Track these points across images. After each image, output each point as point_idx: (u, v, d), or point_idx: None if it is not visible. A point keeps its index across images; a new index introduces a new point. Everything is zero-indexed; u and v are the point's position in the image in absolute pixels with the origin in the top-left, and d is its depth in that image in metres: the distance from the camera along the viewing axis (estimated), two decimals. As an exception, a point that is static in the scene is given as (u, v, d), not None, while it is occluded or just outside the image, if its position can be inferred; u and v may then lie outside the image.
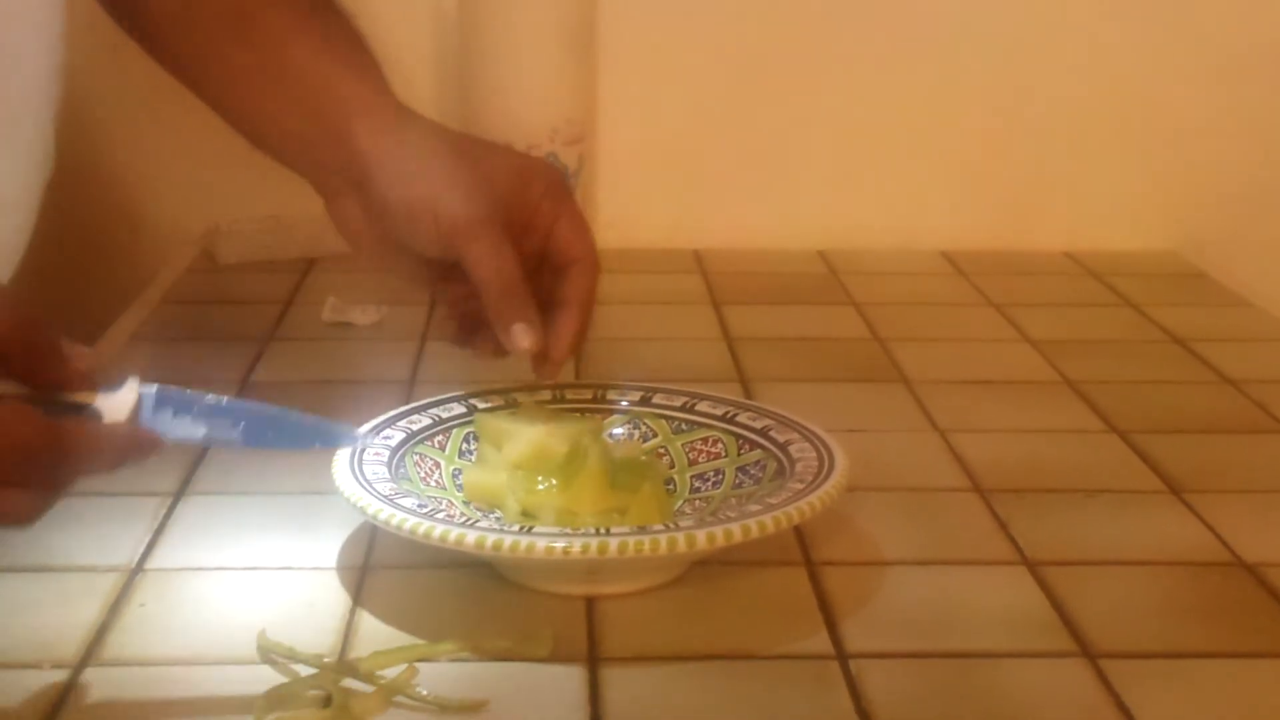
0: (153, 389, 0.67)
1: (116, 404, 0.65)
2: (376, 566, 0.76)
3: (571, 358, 0.84)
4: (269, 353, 1.10)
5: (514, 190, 0.81)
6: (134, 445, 0.65)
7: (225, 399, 0.70)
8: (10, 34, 0.79)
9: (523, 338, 0.79)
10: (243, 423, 0.69)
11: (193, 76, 0.87)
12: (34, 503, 0.61)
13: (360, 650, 0.68)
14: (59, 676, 0.66)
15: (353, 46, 0.86)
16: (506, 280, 0.79)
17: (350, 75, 0.84)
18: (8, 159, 0.81)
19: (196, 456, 0.89)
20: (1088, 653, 0.69)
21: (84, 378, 0.64)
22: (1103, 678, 0.67)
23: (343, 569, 0.76)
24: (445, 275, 0.83)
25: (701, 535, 0.70)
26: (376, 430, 0.81)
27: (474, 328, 0.83)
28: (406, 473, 0.79)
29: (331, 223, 0.85)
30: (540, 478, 0.77)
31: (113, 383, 0.66)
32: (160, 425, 0.67)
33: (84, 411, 0.64)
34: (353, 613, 0.72)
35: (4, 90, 0.80)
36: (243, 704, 0.63)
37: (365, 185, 0.81)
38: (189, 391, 0.68)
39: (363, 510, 0.73)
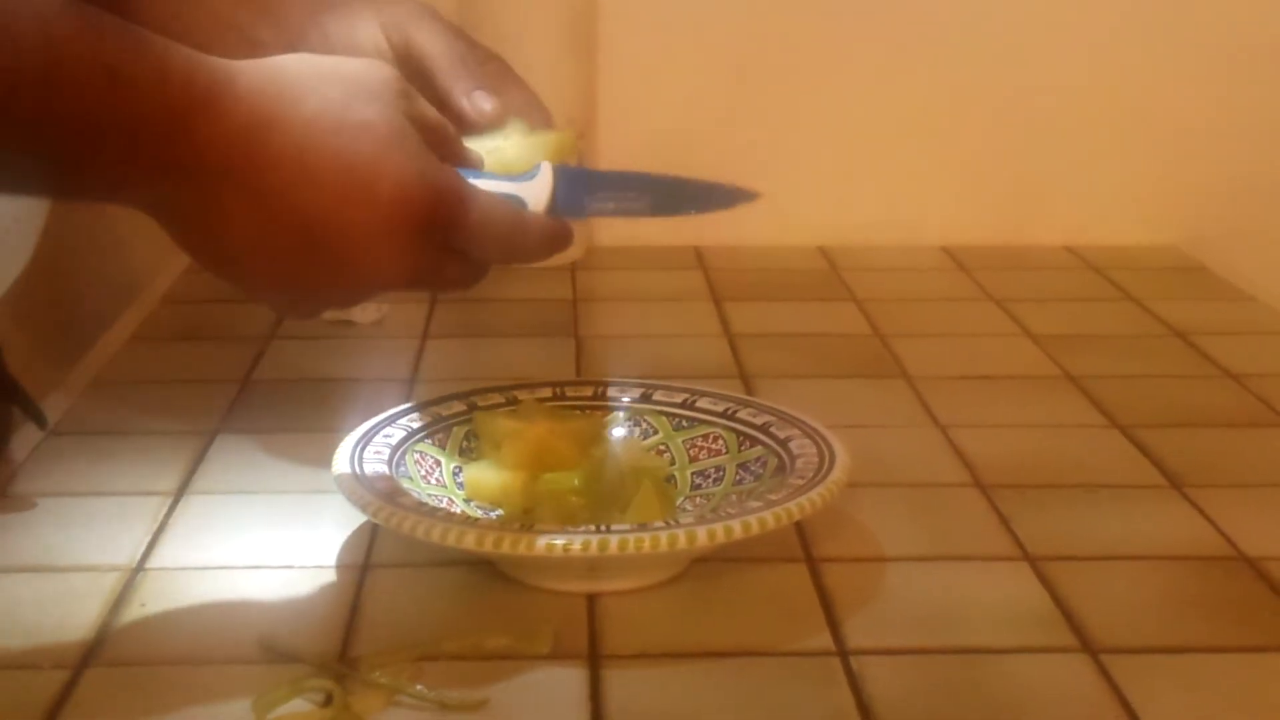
0: (566, 170, 0.72)
1: (537, 192, 0.71)
2: (377, 565, 0.76)
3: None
4: (270, 351, 1.10)
5: (460, 37, 0.81)
6: (554, 237, 0.71)
7: (629, 172, 0.74)
8: None
9: (484, 100, 0.76)
10: (648, 194, 0.73)
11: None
12: (473, 274, 0.70)
13: (361, 648, 0.68)
14: (60, 676, 0.66)
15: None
16: (459, 51, 0.78)
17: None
18: None
19: (197, 455, 0.90)
20: (1090, 648, 0.69)
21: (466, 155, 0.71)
22: (1105, 673, 0.67)
23: (343, 567, 0.76)
24: None
25: (702, 532, 0.70)
26: (377, 428, 0.81)
27: None
28: (407, 471, 0.79)
29: None
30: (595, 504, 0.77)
31: (529, 170, 0.72)
32: (575, 204, 0.72)
33: (511, 199, 0.70)
34: (353, 611, 0.72)
35: None
36: (244, 703, 0.63)
37: (302, 38, 0.79)
38: (597, 172, 0.74)
39: (363, 508, 0.73)
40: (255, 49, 0.81)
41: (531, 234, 0.70)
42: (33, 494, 0.84)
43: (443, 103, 0.77)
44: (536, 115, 0.79)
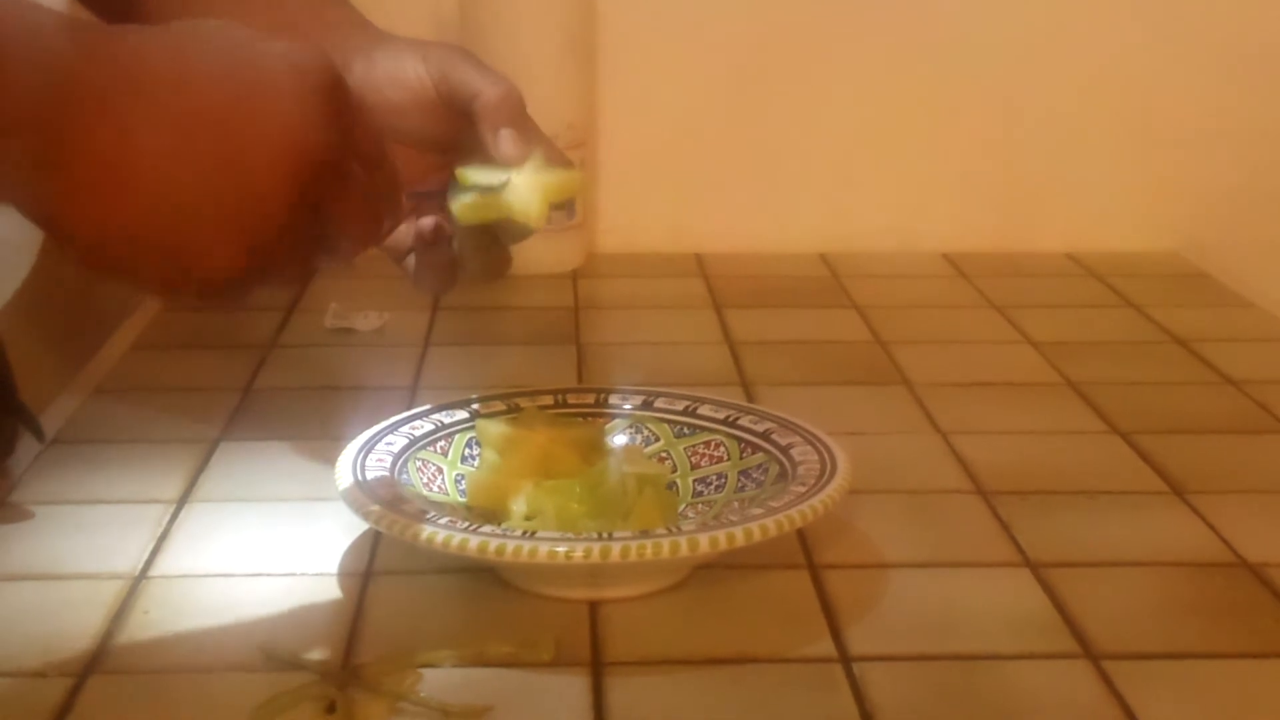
0: None
1: None
2: (379, 572, 0.76)
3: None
4: (271, 359, 1.10)
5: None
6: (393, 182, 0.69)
7: None
8: None
9: (509, 143, 0.77)
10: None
11: (153, 16, 0.86)
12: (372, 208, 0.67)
13: (363, 656, 0.68)
14: (63, 684, 0.66)
15: None
16: (507, 87, 0.78)
17: (336, 3, 0.87)
18: None
19: (200, 463, 0.90)
20: (1090, 654, 0.69)
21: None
22: (1106, 679, 0.67)
23: (346, 575, 0.76)
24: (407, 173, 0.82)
25: (704, 539, 0.70)
26: (379, 435, 0.81)
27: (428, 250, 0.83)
28: (409, 478, 0.79)
29: None
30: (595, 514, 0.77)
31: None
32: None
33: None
34: (356, 619, 0.72)
35: None
36: (246, 711, 0.63)
37: (347, 70, 0.79)
38: None
39: (365, 516, 0.73)
40: None
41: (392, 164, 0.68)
42: (35, 502, 0.84)
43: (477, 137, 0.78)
44: (557, 161, 0.80)
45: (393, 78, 0.80)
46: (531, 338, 1.17)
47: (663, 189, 1.43)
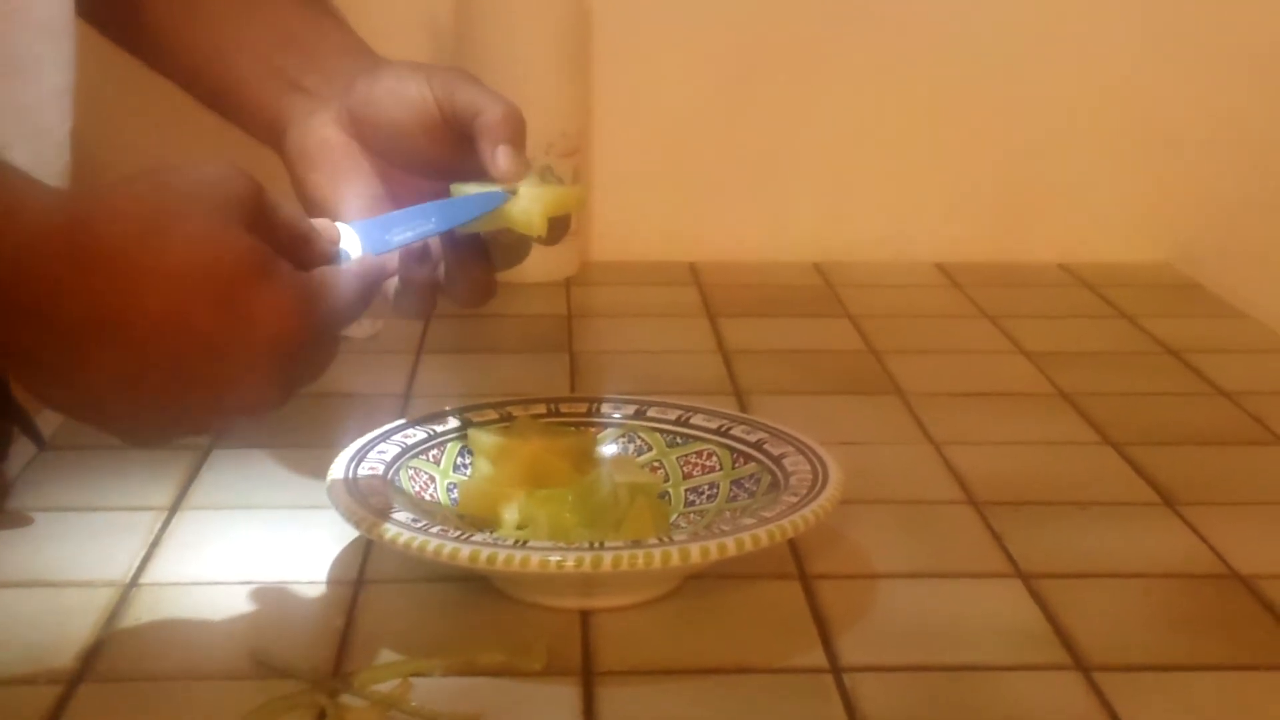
0: (365, 223, 0.73)
1: (349, 243, 0.72)
2: (371, 581, 0.76)
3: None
4: (264, 366, 1.10)
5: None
6: (367, 276, 0.69)
7: (410, 207, 0.76)
8: (31, 45, 0.79)
9: (506, 159, 0.76)
10: (433, 215, 0.75)
11: (156, 34, 0.87)
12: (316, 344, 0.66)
13: (354, 664, 0.68)
14: (54, 691, 0.66)
15: (329, 8, 0.88)
16: (505, 107, 0.78)
17: (338, 26, 0.86)
18: (31, 171, 0.81)
19: (192, 471, 0.90)
20: (1082, 665, 0.69)
21: (332, 254, 0.70)
22: (1097, 690, 0.67)
23: (337, 583, 0.76)
24: (403, 196, 0.82)
25: (695, 549, 0.70)
26: (372, 443, 0.81)
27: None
28: (401, 486, 0.79)
29: (287, 156, 0.83)
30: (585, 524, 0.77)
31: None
32: (379, 243, 0.73)
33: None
34: (347, 627, 0.72)
35: (27, 101, 0.80)
36: (237, 718, 0.63)
37: (350, 88, 0.81)
38: (392, 213, 0.76)
39: (357, 524, 0.73)
40: (300, 95, 0.83)
41: (347, 283, 0.68)
42: (27, 509, 0.84)
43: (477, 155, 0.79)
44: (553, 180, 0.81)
45: (396, 96, 0.80)
46: (525, 346, 1.17)
47: (657, 197, 1.43)
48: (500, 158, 0.77)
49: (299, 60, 0.84)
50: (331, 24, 0.87)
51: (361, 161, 0.81)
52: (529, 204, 0.75)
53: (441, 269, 0.79)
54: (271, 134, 0.84)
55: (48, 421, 0.96)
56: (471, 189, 0.77)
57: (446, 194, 0.78)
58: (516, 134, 0.78)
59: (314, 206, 0.81)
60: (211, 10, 0.86)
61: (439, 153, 0.80)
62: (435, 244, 0.78)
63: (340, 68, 0.83)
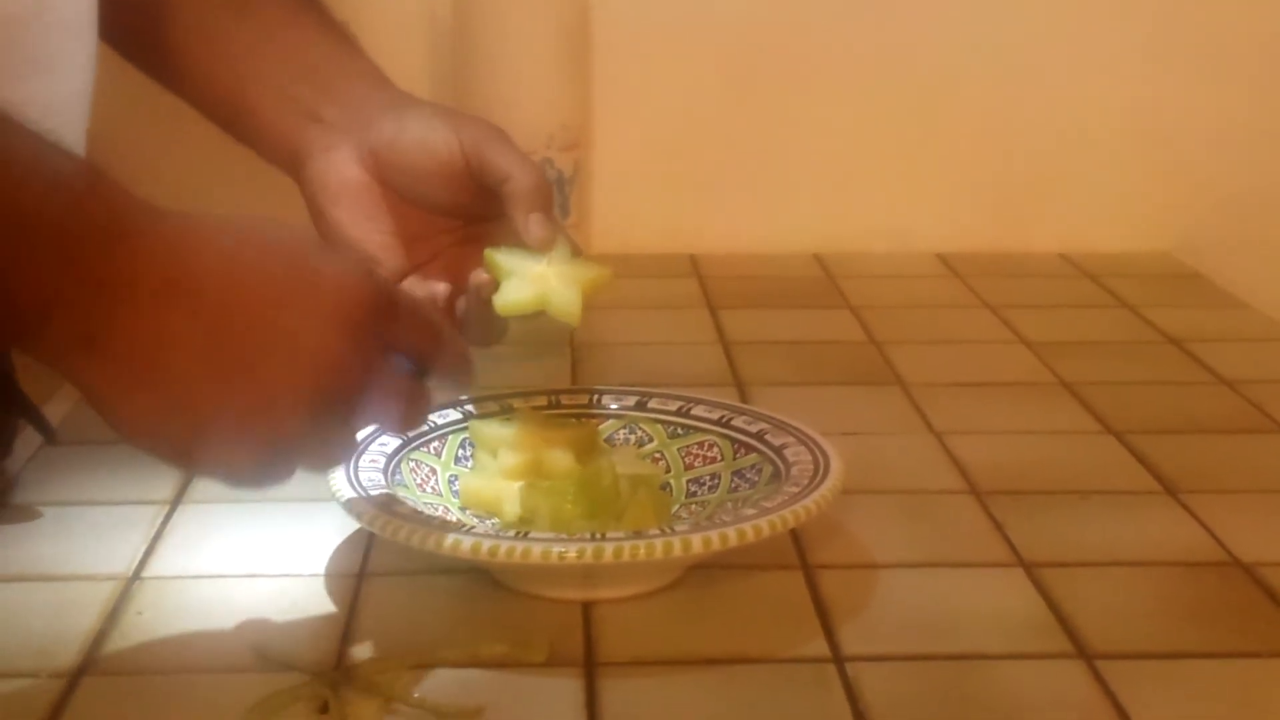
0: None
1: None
2: (373, 573, 0.76)
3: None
4: (265, 360, 1.10)
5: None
6: (463, 355, 0.71)
7: None
8: (55, 45, 0.79)
9: (538, 226, 0.79)
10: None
11: (176, 60, 0.88)
12: (413, 391, 0.67)
13: (357, 657, 0.68)
14: (57, 685, 0.66)
15: (350, 40, 0.89)
16: (536, 172, 0.80)
17: (353, 54, 0.87)
18: None
19: (193, 464, 0.90)
20: (1084, 654, 0.69)
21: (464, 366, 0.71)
22: (1099, 678, 0.67)
23: (339, 576, 0.76)
24: (420, 235, 0.84)
25: (697, 540, 0.70)
26: (373, 436, 0.81)
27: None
28: (402, 479, 0.79)
29: (306, 189, 0.85)
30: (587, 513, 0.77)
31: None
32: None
33: None
34: (349, 619, 0.72)
35: (50, 100, 0.80)
36: (239, 711, 0.63)
37: (372, 126, 0.82)
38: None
39: (359, 517, 0.73)
40: (318, 127, 0.83)
41: (453, 342, 0.70)
42: (31, 503, 0.84)
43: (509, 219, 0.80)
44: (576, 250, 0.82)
45: (423, 146, 0.81)
46: (525, 338, 1.17)
47: (657, 190, 1.43)
48: (534, 226, 0.79)
49: (317, 91, 0.84)
50: (349, 52, 0.88)
51: (382, 201, 0.83)
52: (566, 289, 0.79)
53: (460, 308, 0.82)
54: (290, 164, 0.85)
55: (50, 417, 0.96)
56: (506, 256, 0.79)
57: (463, 232, 0.81)
58: (546, 202, 0.80)
59: (333, 240, 0.83)
60: (230, 41, 0.87)
61: (460, 199, 0.82)
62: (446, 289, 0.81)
63: (359, 99, 0.84)
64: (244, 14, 0.87)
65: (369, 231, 0.83)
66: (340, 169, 0.83)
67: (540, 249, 0.79)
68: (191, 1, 0.88)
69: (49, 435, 0.91)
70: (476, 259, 0.80)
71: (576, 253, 0.81)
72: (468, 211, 0.84)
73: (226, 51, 0.87)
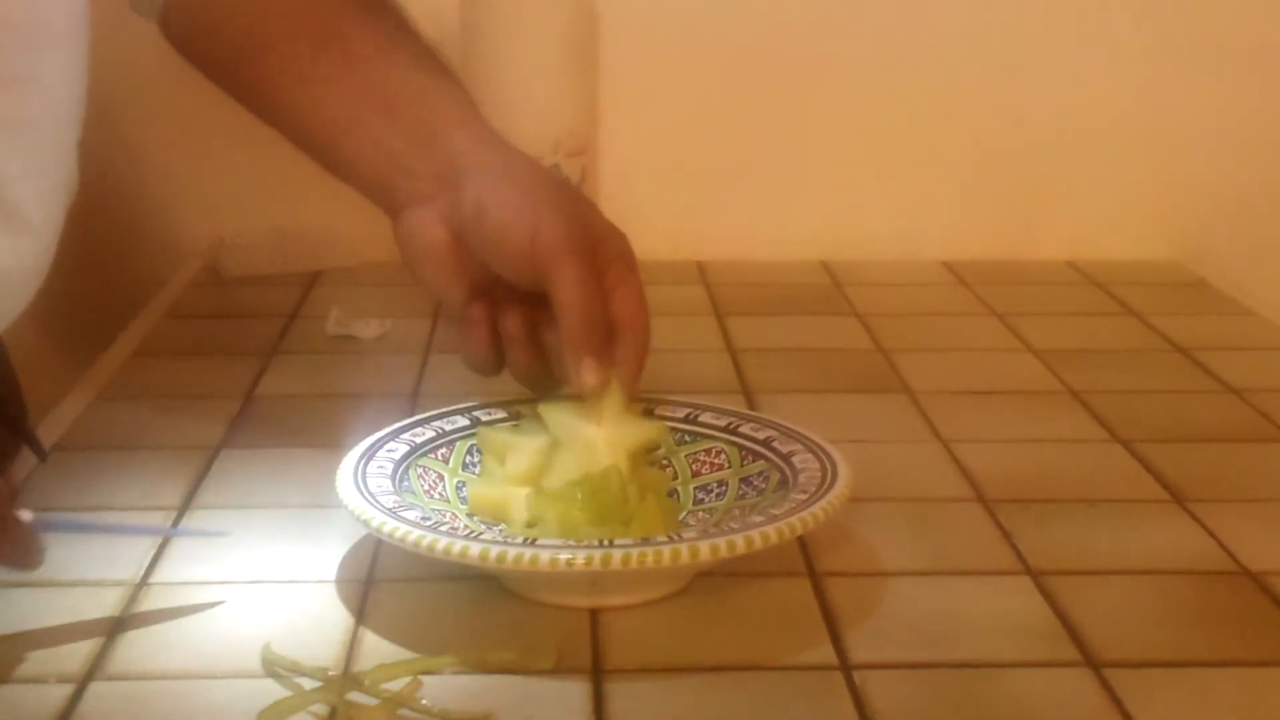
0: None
1: None
2: (380, 579, 0.76)
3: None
4: (273, 366, 1.10)
5: (598, 239, 0.82)
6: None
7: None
8: (38, 57, 0.79)
9: (591, 373, 0.78)
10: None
11: (269, 97, 0.89)
12: None
13: (364, 663, 0.68)
14: (64, 690, 0.66)
15: (442, 68, 0.89)
16: (595, 311, 0.79)
17: (444, 89, 0.87)
18: (35, 183, 0.81)
19: (201, 471, 0.90)
20: (1092, 662, 0.69)
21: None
22: (1107, 687, 0.67)
23: (346, 582, 0.76)
24: (489, 296, 0.84)
25: (705, 547, 0.70)
26: (380, 443, 0.81)
27: (499, 353, 0.84)
28: (410, 485, 0.79)
29: (398, 237, 0.85)
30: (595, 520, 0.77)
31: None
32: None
33: None
34: (357, 626, 0.72)
35: (32, 113, 0.80)
36: (247, 718, 0.63)
37: (460, 187, 0.82)
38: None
39: (366, 523, 0.73)
40: (410, 179, 0.84)
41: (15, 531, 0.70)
42: (36, 509, 0.84)
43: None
44: (639, 333, 0.81)
45: (498, 236, 0.81)
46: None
47: (664, 196, 1.43)
48: (586, 373, 0.79)
49: (410, 144, 0.85)
50: (442, 89, 0.87)
51: (463, 260, 0.83)
52: (606, 448, 0.79)
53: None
54: (384, 207, 0.86)
55: (54, 427, 0.96)
56: (559, 417, 0.80)
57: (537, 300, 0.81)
58: (600, 341, 0.80)
59: (425, 287, 0.85)
60: (322, 80, 0.87)
61: (521, 279, 0.81)
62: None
63: (451, 152, 0.84)
64: (329, 51, 0.87)
65: (448, 285, 0.84)
66: (428, 230, 0.84)
67: (592, 395, 0.79)
68: (283, 40, 0.88)
69: (41, 455, 0.90)
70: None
71: (630, 399, 0.81)
72: (525, 286, 0.83)
73: (319, 93, 0.87)
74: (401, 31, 0.90)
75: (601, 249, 0.82)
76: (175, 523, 0.83)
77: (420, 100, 0.86)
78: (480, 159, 0.84)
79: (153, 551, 0.79)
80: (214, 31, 0.90)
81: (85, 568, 0.77)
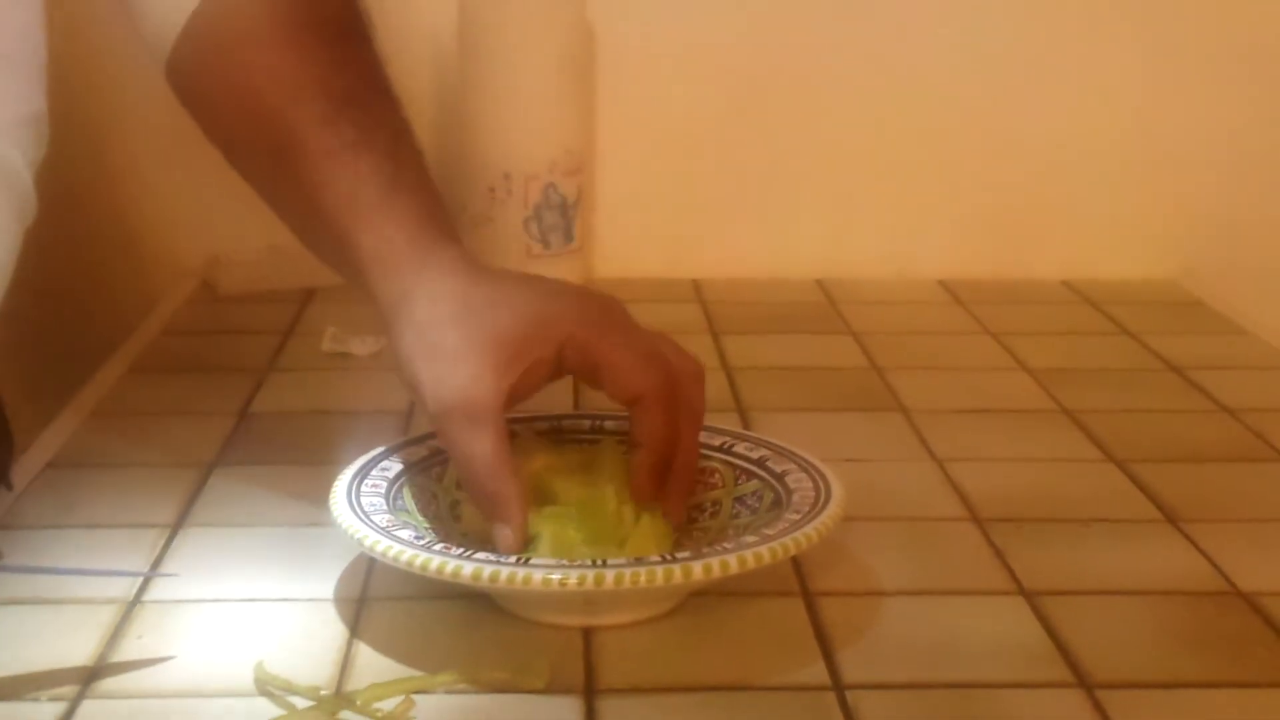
0: None
1: None
2: (374, 598, 0.76)
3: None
4: (268, 383, 1.10)
5: (530, 340, 0.78)
6: None
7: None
8: None
9: (501, 539, 0.75)
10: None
11: (304, 211, 0.85)
12: None
13: (357, 682, 0.68)
14: (57, 709, 0.66)
15: (394, 182, 0.82)
16: (487, 471, 0.76)
17: (377, 220, 0.81)
18: None
19: (195, 489, 0.90)
20: (1084, 683, 0.69)
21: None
22: (1099, 708, 0.67)
23: (340, 601, 0.76)
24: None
25: (698, 567, 0.70)
26: (374, 461, 0.81)
27: None
28: (404, 504, 0.79)
29: (391, 344, 0.84)
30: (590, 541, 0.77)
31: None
32: None
33: None
34: (350, 644, 0.72)
35: None
36: (239, 736, 0.63)
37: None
38: None
39: (360, 542, 0.73)
40: (407, 303, 0.81)
41: None
42: (30, 527, 0.84)
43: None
44: (688, 477, 0.80)
45: (406, 374, 0.80)
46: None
47: (660, 215, 1.44)
48: (673, 509, 0.79)
49: (355, 279, 0.83)
50: (375, 226, 0.81)
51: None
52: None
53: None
54: (379, 312, 0.83)
55: (48, 444, 0.96)
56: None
57: None
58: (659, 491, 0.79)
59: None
60: (282, 195, 0.85)
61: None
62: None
63: (379, 303, 0.82)
64: (282, 168, 0.83)
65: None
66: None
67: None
68: (244, 152, 0.86)
69: (7, 485, 0.90)
70: None
71: (692, 457, 0.81)
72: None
73: (279, 208, 0.86)
74: (367, 136, 0.82)
75: (544, 345, 0.79)
76: (169, 539, 0.83)
77: (349, 241, 0.81)
78: (391, 314, 0.81)
79: (146, 569, 0.79)
80: (198, 110, 0.87)
81: (79, 585, 0.77)
